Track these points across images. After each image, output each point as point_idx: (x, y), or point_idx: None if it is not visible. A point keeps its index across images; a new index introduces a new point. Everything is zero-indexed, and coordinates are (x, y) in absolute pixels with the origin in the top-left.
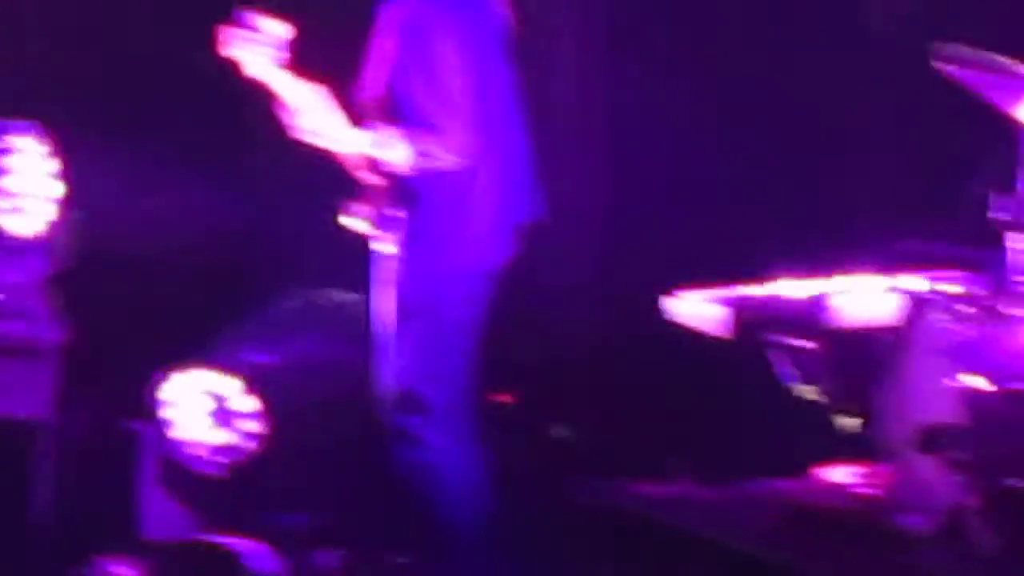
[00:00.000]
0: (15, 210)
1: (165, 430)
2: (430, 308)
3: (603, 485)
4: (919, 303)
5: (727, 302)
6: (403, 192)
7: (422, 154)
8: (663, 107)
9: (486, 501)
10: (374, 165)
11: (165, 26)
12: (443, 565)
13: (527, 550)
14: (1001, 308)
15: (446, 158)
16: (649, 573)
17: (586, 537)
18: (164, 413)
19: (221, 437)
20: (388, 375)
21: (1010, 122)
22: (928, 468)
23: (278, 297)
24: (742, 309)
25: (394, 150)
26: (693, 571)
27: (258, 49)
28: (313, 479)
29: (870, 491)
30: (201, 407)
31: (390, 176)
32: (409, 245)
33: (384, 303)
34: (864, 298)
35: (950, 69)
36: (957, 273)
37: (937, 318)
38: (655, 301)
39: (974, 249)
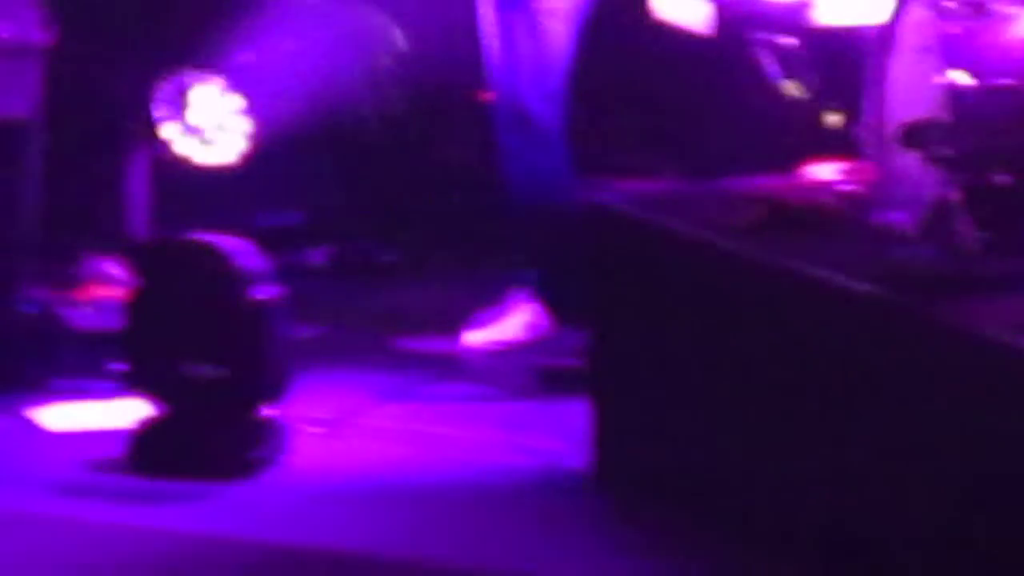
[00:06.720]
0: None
1: (153, 129)
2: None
3: (589, 182)
4: None
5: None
6: None
7: None
8: None
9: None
10: None
11: None
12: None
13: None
14: (986, 4)
15: None
16: (629, 267)
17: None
18: (151, 112)
19: (208, 136)
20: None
21: None
22: (911, 164)
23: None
24: (725, 6)
25: None
26: (673, 267)
27: None
28: (303, 178)
29: (853, 188)
30: (188, 106)
31: None
32: None
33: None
34: None
35: None
36: None
37: (922, 14)
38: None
39: None
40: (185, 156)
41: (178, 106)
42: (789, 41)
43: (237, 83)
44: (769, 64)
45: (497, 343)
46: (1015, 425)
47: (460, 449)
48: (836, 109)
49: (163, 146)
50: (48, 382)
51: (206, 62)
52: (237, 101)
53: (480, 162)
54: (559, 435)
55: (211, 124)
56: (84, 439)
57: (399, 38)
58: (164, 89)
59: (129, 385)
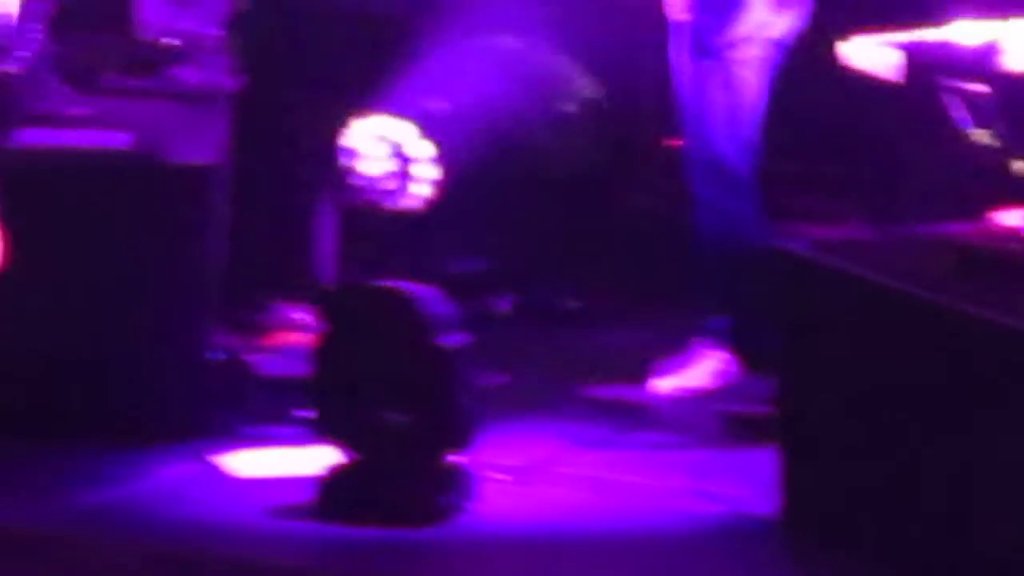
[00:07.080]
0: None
1: (342, 176)
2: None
3: (780, 229)
4: None
5: (900, 46)
6: None
7: None
8: None
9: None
10: None
11: None
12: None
13: None
14: None
15: None
16: (818, 314)
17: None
18: (341, 159)
19: (397, 183)
20: (692, 132)
21: None
22: None
23: (455, 43)
24: (915, 53)
25: None
26: (862, 314)
27: None
28: (488, 225)
29: None
30: (377, 153)
31: None
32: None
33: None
34: None
35: None
36: None
37: None
38: (831, 46)
39: None
40: (374, 202)
41: (368, 152)
42: (979, 88)
43: (429, 130)
44: (958, 111)
45: (684, 390)
46: None
47: (647, 497)
48: None
49: (352, 192)
50: (236, 429)
51: (398, 108)
52: (429, 148)
53: (668, 209)
54: (747, 482)
55: (401, 171)
56: (272, 486)
57: (588, 86)
58: (354, 135)
59: (317, 432)
